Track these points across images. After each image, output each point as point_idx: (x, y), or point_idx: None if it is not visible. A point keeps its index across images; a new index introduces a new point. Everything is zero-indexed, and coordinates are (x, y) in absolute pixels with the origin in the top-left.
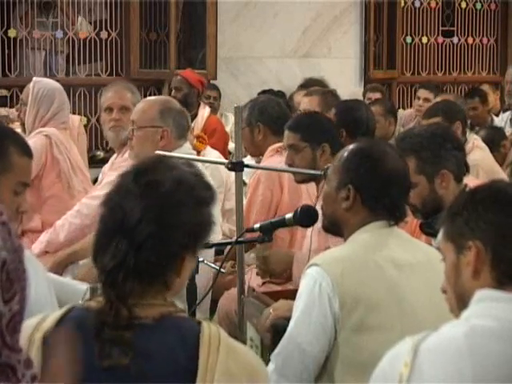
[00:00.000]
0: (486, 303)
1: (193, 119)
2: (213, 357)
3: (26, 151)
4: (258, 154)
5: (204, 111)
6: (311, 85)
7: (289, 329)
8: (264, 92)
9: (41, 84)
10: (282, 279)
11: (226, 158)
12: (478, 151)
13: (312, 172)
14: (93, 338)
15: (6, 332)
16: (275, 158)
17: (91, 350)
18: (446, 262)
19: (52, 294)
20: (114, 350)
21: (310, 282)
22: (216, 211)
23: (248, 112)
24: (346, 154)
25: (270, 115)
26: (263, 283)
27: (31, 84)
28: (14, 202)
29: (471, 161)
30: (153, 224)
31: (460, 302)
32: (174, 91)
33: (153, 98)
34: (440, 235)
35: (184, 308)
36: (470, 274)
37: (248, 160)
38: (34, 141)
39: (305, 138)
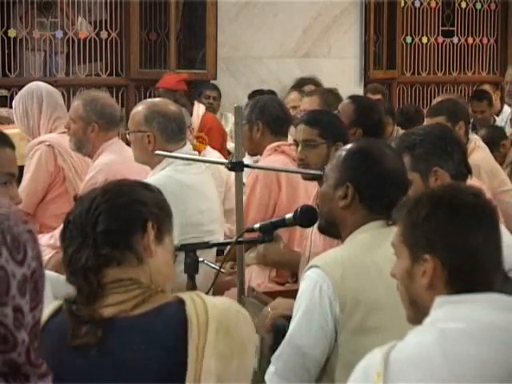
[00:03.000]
0: (448, 307)
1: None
2: (202, 340)
3: (6, 142)
4: (256, 152)
5: (198, 110)
6: (304, 84)
7: (289, 331)
8: (254, 93)
9: (18, 95)
10: (283, 277)
11: (225, 157)
12: (479, 151)
13: (311, 172)
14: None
15: (31, 348)
16: (273, 156)
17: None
18: (399, 262)
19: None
20: (83, 328)
21: (311, 284)
22: (218, 211)
23: (249, 109)
24: (344, 152)
25: (270, 114)
26: (263, 283)
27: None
28: (5, 193)
29: (472, 161)
30: (103, 204)
31: (412, 306)
32: None
33: (145, 101)
34: (396, 230)
35: None
36: (424, 284)
37: (246, 158)
38: (38, 154)
39: (323, 134)
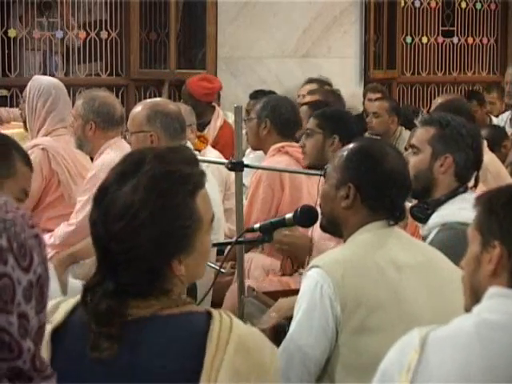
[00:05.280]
0: (497, 299)
1: (205, 126)
2: (220, 354)
3: (28, 162)
4: (259, 148)
5: (217, 120)
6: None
7: (290, 331)
8: (256, 92)
9: (37, 81)
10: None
11: None
12: (485, 154)
13: (312, 172)
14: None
15: (37, 355)
16: (277, 157)
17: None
18: (470, 248)
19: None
20: (102, 342)
21: (312, 283)
22: (218, 211)
23: (261, 105)
24: (346, 152)
25: (280, 115)
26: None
27: (30, 82)
28: None
29: None
30: (118, 243)
31: (473, 293)
32: (182, 100)
33: (144, 102)
34: (472, 219)
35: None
36: (488, 271)
37: (248, 151)
38: (32, 158)
39: (320, 124)
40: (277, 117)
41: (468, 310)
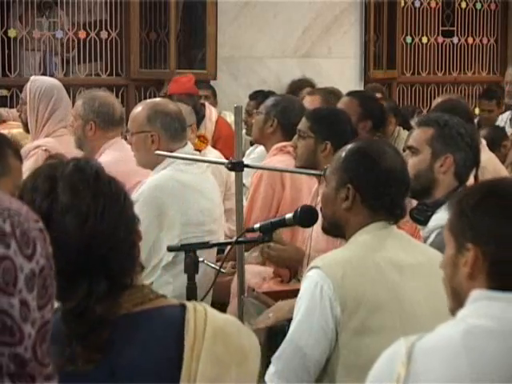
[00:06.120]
0: (482, 302)
1: (201, 121)
2: (198, 343)
3: (19, 155)
4: (260, 143)
5: (211, 114)
6: (303, 87)
7: (290, 332)
8: (256, 93)
9: (38, 82)
10: (284, 274)
11: None
12: (484, 152)
13: (312, 172)
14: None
15: (38, 344)
16: (278, 156)
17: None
18: (446, 250)
19: None
20: (79, 360)
21: (311, 284)
22: (219, 211)
23: (273, 103)
24: (344, 153)
25: (289, 117)
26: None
27: (29, 83)
28: None
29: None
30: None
31: (454, 297)
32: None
33: (144, 102)
34: (445, 220)
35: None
36: (465, 274)
37: (250, 155)
38: (34, 158)
39: (313, 128)
40: (285, 119)
41: (452, 312)
